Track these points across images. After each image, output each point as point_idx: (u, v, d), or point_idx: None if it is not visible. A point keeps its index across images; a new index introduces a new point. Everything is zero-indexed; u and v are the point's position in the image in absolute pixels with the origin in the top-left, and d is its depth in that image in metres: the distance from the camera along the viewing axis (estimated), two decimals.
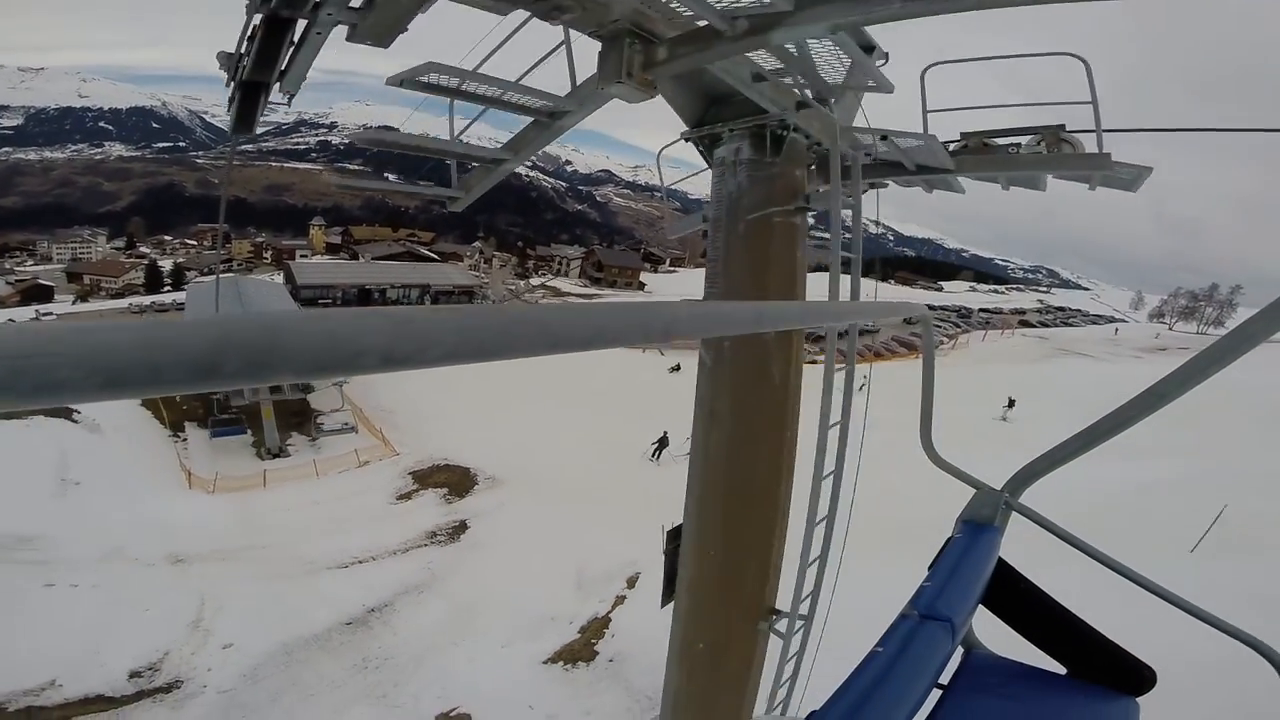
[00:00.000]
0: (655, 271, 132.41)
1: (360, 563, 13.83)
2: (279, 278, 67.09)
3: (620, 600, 12.99)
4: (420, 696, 10.59)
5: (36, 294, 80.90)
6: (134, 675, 11.20)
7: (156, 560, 13.50)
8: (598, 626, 12.21)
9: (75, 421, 22.52)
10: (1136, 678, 1.65)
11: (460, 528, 16.05)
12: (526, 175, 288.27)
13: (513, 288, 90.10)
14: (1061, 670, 1.75)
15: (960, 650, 1.81)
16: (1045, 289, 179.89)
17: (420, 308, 0.52)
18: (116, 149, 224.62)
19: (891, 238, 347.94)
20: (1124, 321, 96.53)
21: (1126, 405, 1.58)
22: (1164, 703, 1.67)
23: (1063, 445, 1.79)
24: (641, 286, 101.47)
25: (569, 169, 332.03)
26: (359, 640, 11.88)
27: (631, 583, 13.61)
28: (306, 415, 28.42)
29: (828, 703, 1.06)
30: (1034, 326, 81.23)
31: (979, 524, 1.90)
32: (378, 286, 65.94)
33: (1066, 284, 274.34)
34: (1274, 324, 1.29)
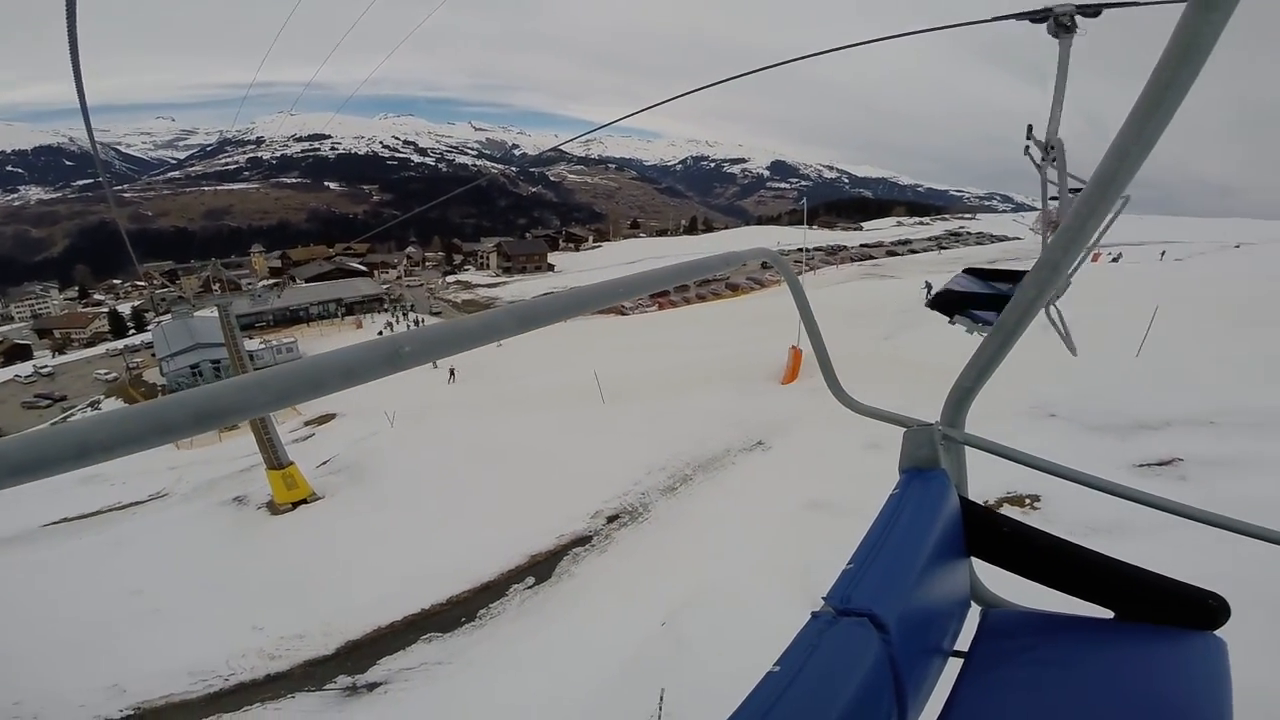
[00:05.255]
0: (579, 250, 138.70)
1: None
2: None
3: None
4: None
5: (17, 353, 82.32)
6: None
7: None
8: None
9: None
10: (1204, 610, 1.38)
11: (311, 435, 27.15)
12: (474, 165, 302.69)
13: (432, 287, 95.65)
14: (1107, 615, 1.48)
15: (979, 612, 1.65)
16: (970, 216, 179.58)
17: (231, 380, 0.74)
18: (34, 192, 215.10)
19: (846, 180, 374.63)
20: (1019, 239, 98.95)
21: (1021, 288, 1.43)
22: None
23: (982, 349, 1.58)
24: (551, 268, 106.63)
25: (517, 153, 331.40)
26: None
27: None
28: None
29: None
30: (877, 258, 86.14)
31: (921, 469, 1.62)
32: (301, 306, 73.04)
33: (1020, 207, 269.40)
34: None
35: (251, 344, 46.74)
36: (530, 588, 11.19)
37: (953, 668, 1.44)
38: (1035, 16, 2.71)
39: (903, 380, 13.94)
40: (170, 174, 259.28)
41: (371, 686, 9.35)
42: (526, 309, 1.00)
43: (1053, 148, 3.28)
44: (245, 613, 11.10)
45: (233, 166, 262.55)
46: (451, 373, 34.02)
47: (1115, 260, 48.47)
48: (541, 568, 11.69)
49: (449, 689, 8.92)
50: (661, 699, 6.62)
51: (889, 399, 1.82)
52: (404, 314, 71.37)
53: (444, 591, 11.23)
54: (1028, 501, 9.53)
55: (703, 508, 12.64)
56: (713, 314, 49.45)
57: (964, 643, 1.52)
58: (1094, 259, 47.60)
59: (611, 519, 12.93)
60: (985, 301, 2.79)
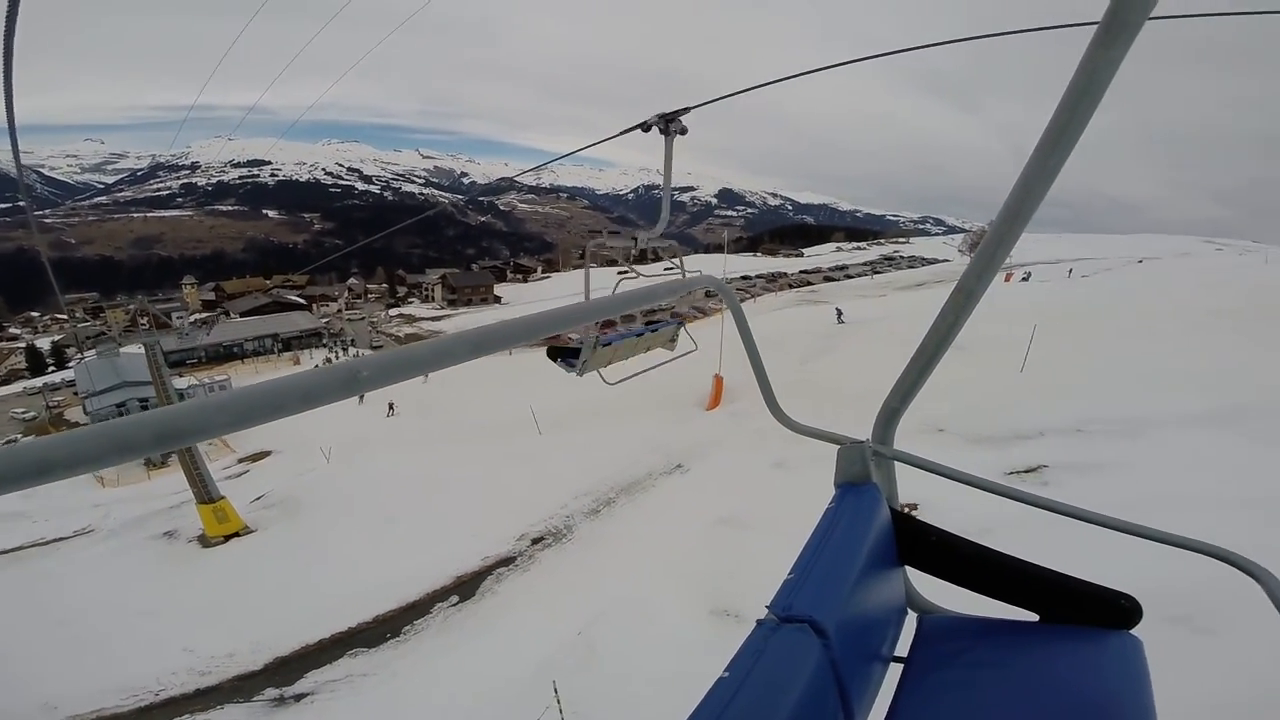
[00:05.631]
0: (526, 281, 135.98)
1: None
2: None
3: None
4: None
5: None
6: None
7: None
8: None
9: None
10: (1119, 611, 1.50)
11: (245, 471, 27.45)
12: (421, 193, 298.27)
13: (374, 321, 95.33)
14: (1033, 618, 1.59)
15: (914, 618, 1.73)
16: (904, 240, 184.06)
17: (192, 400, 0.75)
18: None
19: (790, 207, 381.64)
20: (948, 261, 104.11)
21: (941, 313, 1.47)
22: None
23: (906, 372, 1.64)
24: (498, 300, 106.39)
25: (466, 181, 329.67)
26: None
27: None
28: None
29: None
30: (815, 284, 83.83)
31: (854, 484, 1.71)
32: (235, 342, 70.89)
33: (952, 230, 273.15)
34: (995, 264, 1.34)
35: (181, 382, 45.61)
36: (454, 605, 11.93)
37: (895, 673, 1.52)
38: (644, 126, 3.71)
39: (815, 401, 15.16)
40: (97, 199, 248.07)
41: (299, 697, 9.96)
42: (479, 335, 1.05)
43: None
44: (176, 636, 11.53)
45: (165, 192, 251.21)
46: (390, 406, 33.87)
47: (1025, 279, 49.91)
48: (466, 587, 12.43)
49: (372, 698, 9.65)
50: (556, 690, 7.52)
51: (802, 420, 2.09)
52: (344, 349, 70.12)
53: (371, 611, 11.90)
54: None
55: (622, 528, 13.62)
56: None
57: (904, 649, 1.60)
58: (1006, 279, 48.58)
59: (536, 541, 13.78)
60: (568, 353, 4.54)
